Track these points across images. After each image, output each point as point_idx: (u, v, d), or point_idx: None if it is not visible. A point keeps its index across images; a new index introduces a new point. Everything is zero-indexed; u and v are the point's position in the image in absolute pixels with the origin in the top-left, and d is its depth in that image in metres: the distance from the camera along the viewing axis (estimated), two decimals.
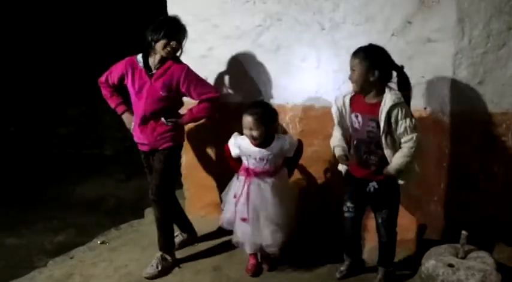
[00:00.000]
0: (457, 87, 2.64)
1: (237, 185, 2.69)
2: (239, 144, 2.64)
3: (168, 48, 2.71)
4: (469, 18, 2.54)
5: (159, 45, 2.71)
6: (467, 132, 2.69)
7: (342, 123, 2.49)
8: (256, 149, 2.58)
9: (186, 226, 3.19)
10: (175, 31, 2.73)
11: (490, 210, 2.74)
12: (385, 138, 2.33)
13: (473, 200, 2.75)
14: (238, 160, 2.71)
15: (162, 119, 2.79)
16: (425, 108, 2.73)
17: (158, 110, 2.78)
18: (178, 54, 2.82)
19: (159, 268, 2.83)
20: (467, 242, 2.38)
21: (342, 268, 2.72)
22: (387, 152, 2.36)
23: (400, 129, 2.31)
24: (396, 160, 2.34)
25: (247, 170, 2.64)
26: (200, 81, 2.84)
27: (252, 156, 2.60)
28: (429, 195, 2.83)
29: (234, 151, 2.67)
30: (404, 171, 2.36)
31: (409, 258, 2.79)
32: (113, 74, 2.87)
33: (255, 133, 2.52)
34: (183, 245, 3.15)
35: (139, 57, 2.82)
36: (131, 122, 2.89)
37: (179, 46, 2.76)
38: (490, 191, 2.72)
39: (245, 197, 2.61)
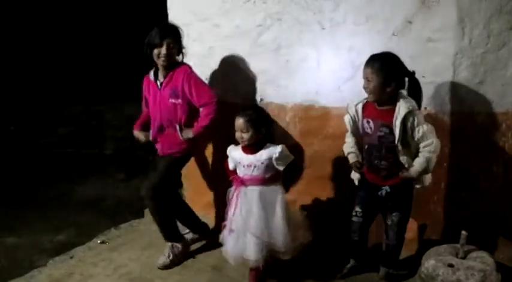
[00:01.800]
0: (457, 87, 2.64)
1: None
2: (232, 155, 2.64)
3: (162, 57, 2.77)
4: (469, 18, 2.54)
5: (154, 57, 2.80)
6: (467, 132, 2.68)
7: (355, 131, 2.50)
8: (245, 155, 2.58)
9: (197, 227, 3.21)
10: (160, 38, 2.75)
11: (490, 210, 2.73)
12: (402, 144, 2.35)
13: (473, 200, 2.74)
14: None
15: (178, 132, 2.86)
16: (425, 108, 2.72)
17: (172, 119, 2.86)
18: (179, 58, 2.87)
19: (171, 257, 2.89)
20: (467, 242, 2.38)
21: (345, 269, 2.73)
22: (403, 158, 2.38)
23: (419, 134, 2.33)
24: (418, 164, 2.35)
25: (237, 178, 2.62)
26: (200, 85, 2.87)
27: (241, 163, 2.59)
28: (429, 195, 2.82)
29: (231, 164, 2.67)
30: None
31: (409, 258, 2.79)
32: (144, 99, 3.04)
33: (244, 135, 2.53)
34: (193, 242, 3.20)
35: (151, 72, 2.92)
36: (140, 137, 3.02)
37: (171, 51, 2.78)
38: (489, 190, 2.71)
39: (233, 206, 2.59)
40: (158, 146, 2.99)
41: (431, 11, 2.60)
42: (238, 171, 2.63)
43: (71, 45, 7.92)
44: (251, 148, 2.57)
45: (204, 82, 2.94)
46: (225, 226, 2.66)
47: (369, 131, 2.45)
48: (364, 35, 2.75)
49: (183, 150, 2.93)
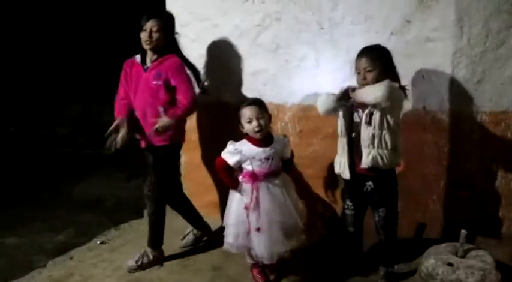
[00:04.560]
0: (456, 86, 2.64)
1: (241, 198, 2.56)
2: (239, 150, 2.50)
3: (144, 40, 2.74)
4: (467, 17, 2.54)
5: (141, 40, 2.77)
6: (466, 131, 2.69)
7: (345, 116, 2.46)
8: (260, 148, 2.49)
9: (199, 223, 3.20)
10: (144, 21, 2.73)
11: (489, 209, 2.74)
12: (367, 120, 2.33)
13: (472, 198, 2.75)
14: (233, 173, 2.58)
15: (162, 113, 2.76)
16: (424, 107, 2.73)
17: (155, 102, 2.79)
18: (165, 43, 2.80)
19: (139, 263, 2.88)
20: (467, 241, 2.38)
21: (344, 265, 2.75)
22: (363, 136, 2.35)
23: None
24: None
25: (252, 174, 2.50)
26: (186, 82, 2.79)
27: (257, 158, 2.48)
28: (428, 194, 2.83)
29: (232, 159, 2.51)
30: (392, 155, 2.35)
31: (408, 257, 2.79)
32: (122, 86, 2.92)
33: (262, 121, 2.45)
34: (197, 241, 3.20)
35: (138, 55, 2.87)
36: (122, 127, 2.80)
37: (153, 35, 2.73)
38: (489, 190, 2.71)
39: (255, 204, 2.48)
40: (141, 137, 2.88)
41: (429, 10, 2.60)
42: (251, 167, 2.50)
43: (70, 46, 7.91)
44: (264, 140, 2.50)
45: (190, 81, 2.83)
46: (224, 234, 2.62)
47: (357, 119, 2.43)
48: (362, 35, 2.75)
49: (166, 139, 2.82)
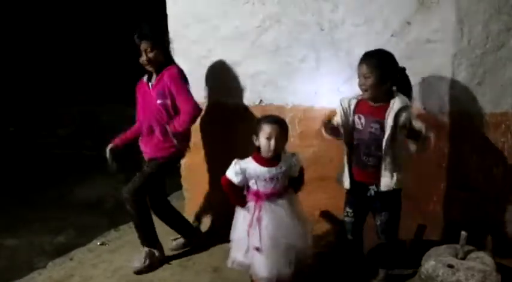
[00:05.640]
0: (456, 87, 2.64)
1: (246, 215, 2.46)
2: (244, 169, 2.39)
3: (144, 63, 2.82)
4: (468, 19, 2.55)
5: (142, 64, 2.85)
6: (466, 132, 2.69)
7: (345, 125, 2.45)
8: (265, 168, 2.37)
9: (187, 231, 3.20)
10: (137, 45, 2.79)
11: (489, 211, 2.74)
12: (390, 141, 2.31)
13: (472, 200, 2.75)
14: (240, 190, 2.48)
15: (170, 133, 2.85)
16: (424, 109, 2.73)
17: (160, 120, 2.85)
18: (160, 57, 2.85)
19: (147, 262, 2.88)
20: (467, 243, 2.38)
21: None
22: (385, 158, 2.33)
23: (417, 125, 2.27)
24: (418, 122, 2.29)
25: (256, 193, 2.42)
26: (183, 92, 2.84)
27: (261, 178, 2.38)
28: (429, 196, 2.83)
29: (237, 179, 2.40)
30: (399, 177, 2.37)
31: (408, 258, 2.79)
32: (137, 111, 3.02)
33: (280, 143, 2.35)
34: (186, 245, 3.19)
35: (145, 76, 2.95)
36: (109, 159, 2.93)
37: (149, 56, 2.79)
38: (489, 191, 2.72)
39: (256, 223, 2.40)
40: (145, 150, 2.96)
41: (430, 12, 2.60)
42: (256, 186, 2.42)
43: (70, 47, 7.92)
44: (270, 160, 2.39)
45: (187, 89, 2.87)
46: (236, 252, 2.51)
47: (359, 126, 2.43)
48: (362, 36, 2.76)
49: (169, 155, 2.90)
